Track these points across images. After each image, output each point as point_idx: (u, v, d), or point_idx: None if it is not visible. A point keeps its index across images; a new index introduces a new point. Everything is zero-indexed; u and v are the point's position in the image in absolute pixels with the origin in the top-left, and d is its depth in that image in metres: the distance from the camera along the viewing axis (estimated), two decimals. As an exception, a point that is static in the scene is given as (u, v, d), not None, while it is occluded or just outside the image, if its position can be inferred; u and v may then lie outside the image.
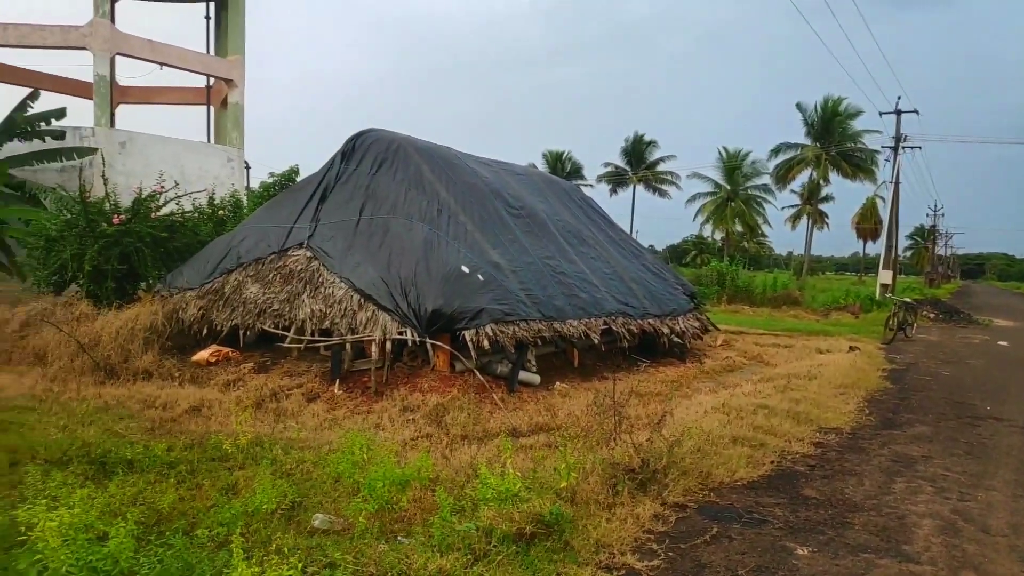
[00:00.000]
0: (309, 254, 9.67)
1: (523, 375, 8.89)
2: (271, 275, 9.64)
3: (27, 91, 17.52)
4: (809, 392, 9.12)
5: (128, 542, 3.40)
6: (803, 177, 52.07)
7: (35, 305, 10.69)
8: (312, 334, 8.83)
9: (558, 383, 9.18)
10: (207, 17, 23.04)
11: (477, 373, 8.19)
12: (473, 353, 8.21)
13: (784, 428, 7.29)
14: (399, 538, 4.16)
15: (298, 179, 17.07)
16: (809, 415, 8.00)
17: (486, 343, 8.08)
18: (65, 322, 9.74)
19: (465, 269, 8.90)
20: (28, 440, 5.97)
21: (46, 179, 16.63)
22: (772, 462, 6.31)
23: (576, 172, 64.89)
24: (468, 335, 8.12)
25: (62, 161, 16.74)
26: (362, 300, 8.72)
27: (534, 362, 9.28)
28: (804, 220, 56.88)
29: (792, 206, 59.73)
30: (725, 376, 11.10)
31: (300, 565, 3.31)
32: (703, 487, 5.44)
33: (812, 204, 53.95)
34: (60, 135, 17.08)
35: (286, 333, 8.98)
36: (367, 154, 10.96)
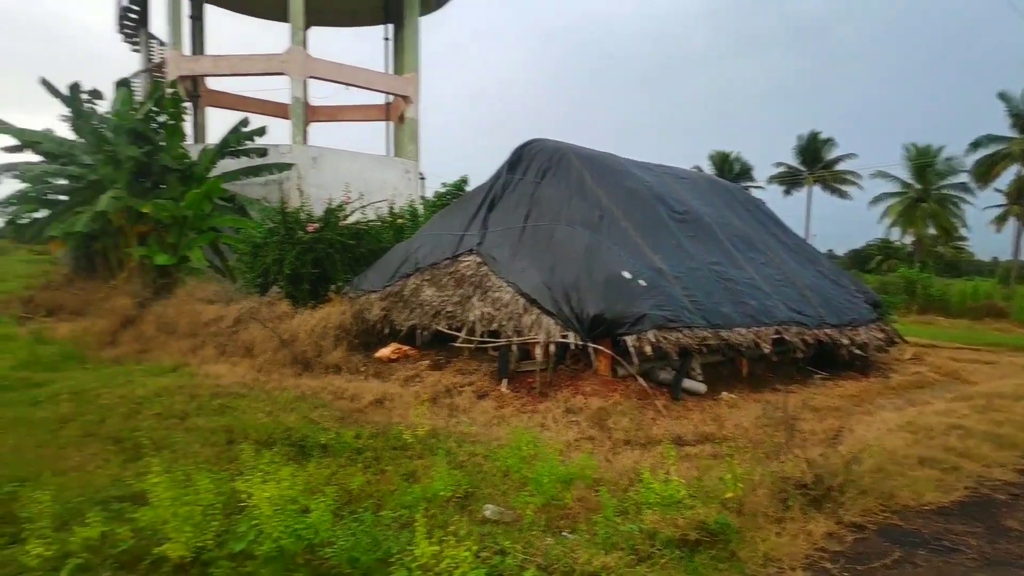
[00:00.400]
0: (479, 259, 10.16)
1: (687, 383, 8.76)
2: (445, 279, 10.24)
3: (228, 111, 19.83)
4: (1015, 413, 8.18)
5: (327, 516, 3.83)
6: (1009, 174, 46.26)
7: (244, 304, 12.03)
8: (481, 335, 9.26)
9: (725, 393, 8.93)
10: (386, 39, 24.81)
11: (639, 379, 8.19)
12: (635, 359, 8.21)
13: (982, 452, 6.63)
14: (564, 533, 4.32)
15: (467, 188, 17.88)
16: (1014, 439, 7.19)
17: (648, 349, 8.06)
18: (269, 320, 10.93)
19: (626, 275, 8.92)
20: (241, 422, 6.81)
21: (252, 192, 18.70)
22: (967, 488, 5.77)
23: (745, 173, 62.09)
24: (630, 340, 8.14)
25: (265, 176, 18.74)
26: (527, 304, 9.02)
27: (699, 370, 9.11)
28: (1011, 222, 50.50)
29: (997, 206, 53.23)
30: (913, 393, 10.20)
31: (475, 548, 3.56)
32: (884, 508, 5.11)
33: (1022, 204, 47.80)
34: (263, 152, 19.14)
35: (458, 334, 9.49)
36: (532, 163, 11.32)
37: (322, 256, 12.03)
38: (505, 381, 8.76)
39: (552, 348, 8.64)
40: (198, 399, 7.83)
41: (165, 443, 6.13)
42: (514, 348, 8.97)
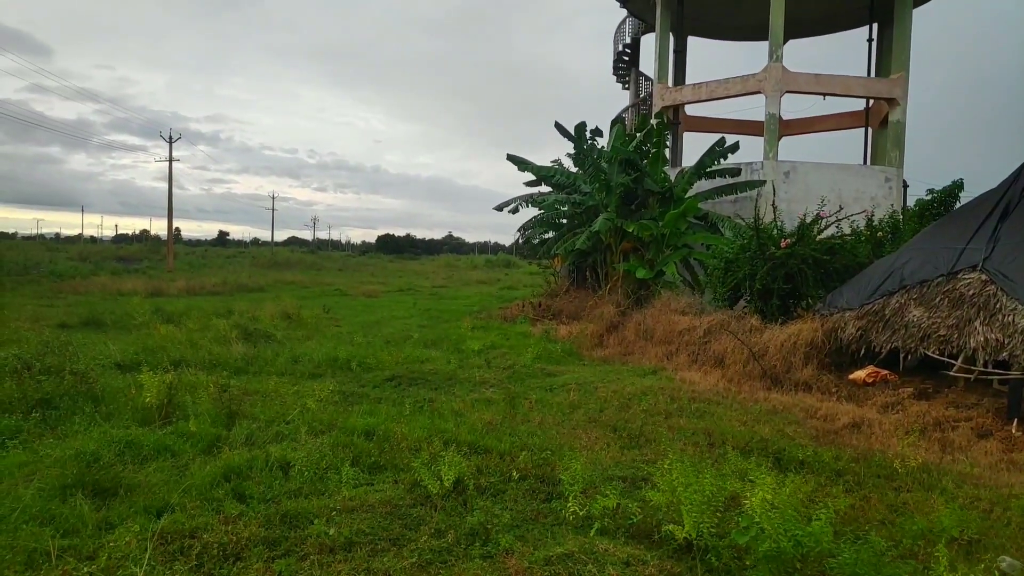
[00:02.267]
0: (984, 277, 8.82)
1: None
2: (938, 299, 9.16)
3: (702, 134, 20.79)
4: None
5: (827, 529, 3.86)
6: None
7: (715, 316, 12.65)
8: (984, 365, 8.06)
9: None
10: (869, 40, 23.02)
11: None
12: None
13: None
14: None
15: (961, 194, 15.59)
16: None
17: None
18: (739, 333, 11.28)
19: None
20: (719, 427, 7.27)
21: (722, 209, 19.38)
22: None
23: None
24: None
25: (736, 193, 19.23)
26: (1053, 332, 7.51)
27: None
28: None
29: None
30: None
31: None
32: None
33: None
34: (736, 172, 19.65)
35: (952, 361, 8.43)
36: (1066, 161, 9.33)
37: (794, 272, 11.90)
38: (1016, 421, 7.45)
39: (1090, 389, 7.04)
40: (678, 401, 8.59)
41: (653, 436, 6.92)
42: (1031, 384, 7.57)
